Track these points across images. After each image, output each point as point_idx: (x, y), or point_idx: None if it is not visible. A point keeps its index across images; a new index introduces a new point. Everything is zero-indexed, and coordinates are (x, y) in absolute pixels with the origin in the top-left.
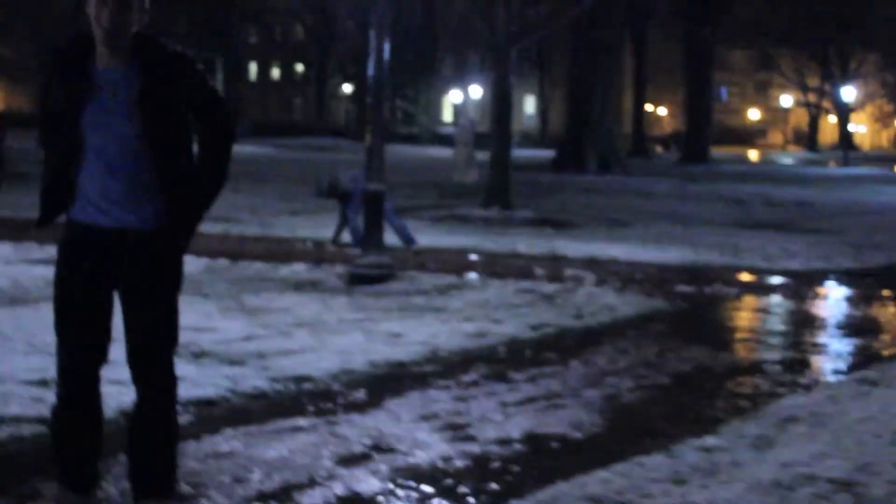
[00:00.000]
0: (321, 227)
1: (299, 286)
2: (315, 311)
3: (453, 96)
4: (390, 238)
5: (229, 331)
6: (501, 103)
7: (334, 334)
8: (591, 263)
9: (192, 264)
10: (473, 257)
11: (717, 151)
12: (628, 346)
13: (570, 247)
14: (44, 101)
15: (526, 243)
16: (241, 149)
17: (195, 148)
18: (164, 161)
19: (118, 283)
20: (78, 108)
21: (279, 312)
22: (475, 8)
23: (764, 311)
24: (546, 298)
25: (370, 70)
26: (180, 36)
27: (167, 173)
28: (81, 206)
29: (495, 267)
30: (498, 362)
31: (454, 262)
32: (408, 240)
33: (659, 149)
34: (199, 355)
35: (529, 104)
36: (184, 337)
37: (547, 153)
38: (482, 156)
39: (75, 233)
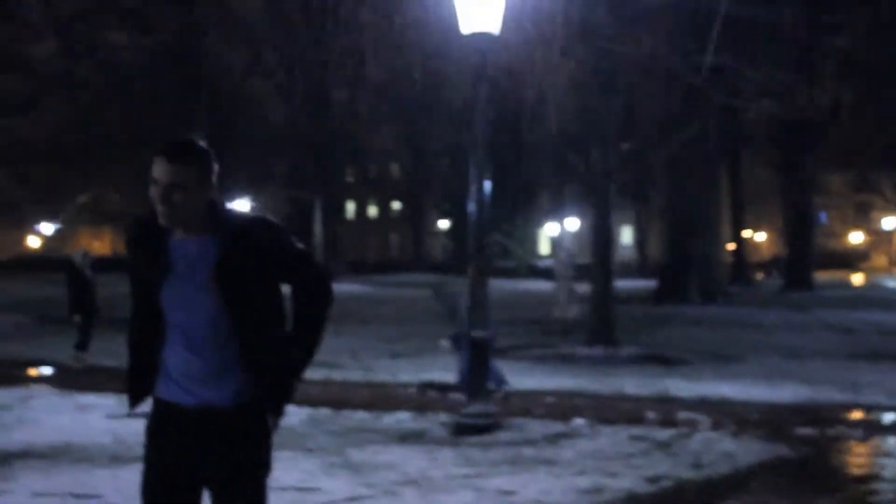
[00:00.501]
0: (422, 370)
1: (404, 437)
2: (421, 467)
3: (549, 229)
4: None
5: (333, 491)
6: (602, 239)
7: (442, 493)
8: (704, 404)
9: (294, 415)
10: (581, 400)
11: (820, 276)
12: (754, 502)
13: (680, 386)
14: (130, 274)
15: (634, 383)
16: (340, 287)
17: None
18: (248, 335)
19: (205, 468)
20: (156, 283)
21: (384, 469)
22: (570, 145)
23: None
24: (661, 446)
25: (470, 209)
26: (280, 179)
27: (252, 348)
28: (165, 383)
29: (604, 411)
30: None
31: (561, 407)
32: (499, 381)
33: (760, 275)
34: None
35: (626, 234)
36: (287, 498)
37: (646, 283)
38: (582, 288)
39: (160, 412)
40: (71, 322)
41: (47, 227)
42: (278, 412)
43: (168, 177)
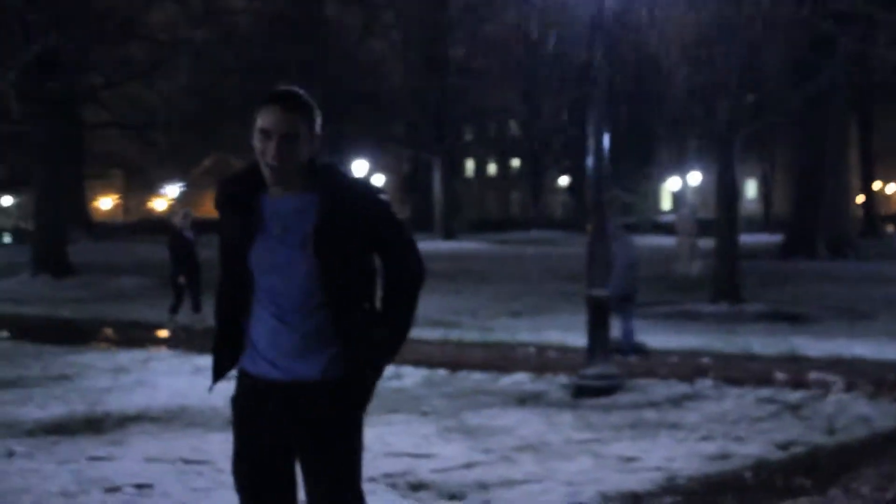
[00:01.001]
0: (542, 329)
1: (522, 400)
2: (539, 431)
3: (672, 184)
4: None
5: (448, 457)
6: (726, 193)
7: (561, 459)
8: (836, 364)
9: (410, 376)
10: (706, 360)
11: None
12: (893, 469)
13: (810, 345)
14: (219, 236)
15: (761, 342)
16: (459, 245)
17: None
18: (342, 305)
19: (297, 446)
20: (246, 245)
21: (501, 433)
22: (694, 97)
23: None
24: (791, 409)
25: (589, 164)
26: (396, 137)
27: (344, 319)
28: (251, 355)
29: (731, 371)
30: (745, 490)
31: (685, 367)
32: (628, 348)
33: (891, 228)
34: (416, 487)
35: (751, 187)
36: (401, 465)
37: (772, 238)
38: (705, 242)
39: (245, 386)
40: (175, 284)
41: (173, 190)
42: (367, 392)
43: (283, 126)
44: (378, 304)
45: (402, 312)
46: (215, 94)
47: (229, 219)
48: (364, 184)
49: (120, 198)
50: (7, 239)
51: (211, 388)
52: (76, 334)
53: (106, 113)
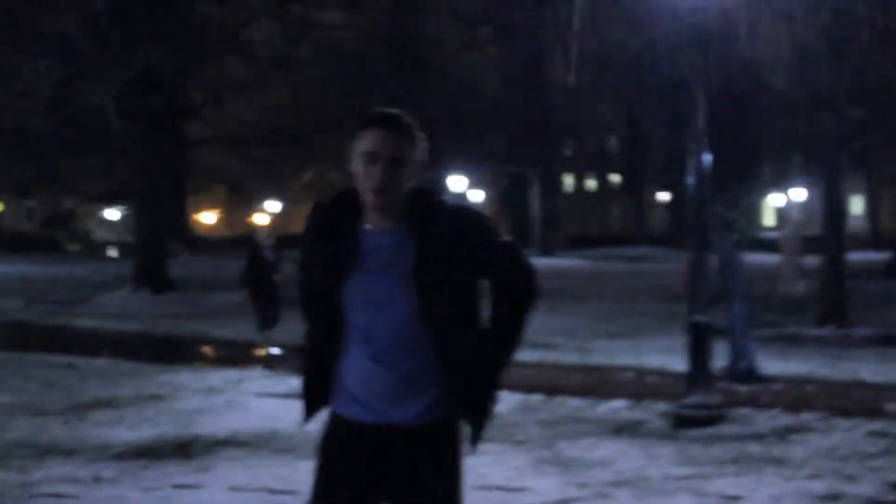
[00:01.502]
0: (641, 352)
1: (619, 429)
2: (637, 465)
3: (774, 199)
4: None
5: (542, 491)
6: (833, 211)
7: (660, 496)
8: None
9: (506, 401)
10: (812, 388)
11: None
12: None
13: None
14: (304, 268)
15: (870, 369)
16: (558, 262)
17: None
18: (445, 343)
19: (390, 495)
20: (339, 279)
21: (598, 466)
22: (798, 113)
23: None
24: None
25: (689, 183)
26: (495, 153)
27: (448, 358)
28: (343, 397)
29: (839, 401)
30: None
31: (791, 396)
32: (744, 374)
33: None
34: None
35: (857, 204)
36: (493, 499)
37: (878, 256)
38: (810, 260)
39: (336, 428)
40: (243, 298)
41: (273, 205)
42: (479, 431)
43: (389, 149)
44: (486, 323)
45: (511, 336)
46: (313, 110)
47: (322, 248)
48: (464, 210)
49: (222, 212)
50: (113, 252)
51: (304, 422)
52: (172, 352)
53: (207, 128)
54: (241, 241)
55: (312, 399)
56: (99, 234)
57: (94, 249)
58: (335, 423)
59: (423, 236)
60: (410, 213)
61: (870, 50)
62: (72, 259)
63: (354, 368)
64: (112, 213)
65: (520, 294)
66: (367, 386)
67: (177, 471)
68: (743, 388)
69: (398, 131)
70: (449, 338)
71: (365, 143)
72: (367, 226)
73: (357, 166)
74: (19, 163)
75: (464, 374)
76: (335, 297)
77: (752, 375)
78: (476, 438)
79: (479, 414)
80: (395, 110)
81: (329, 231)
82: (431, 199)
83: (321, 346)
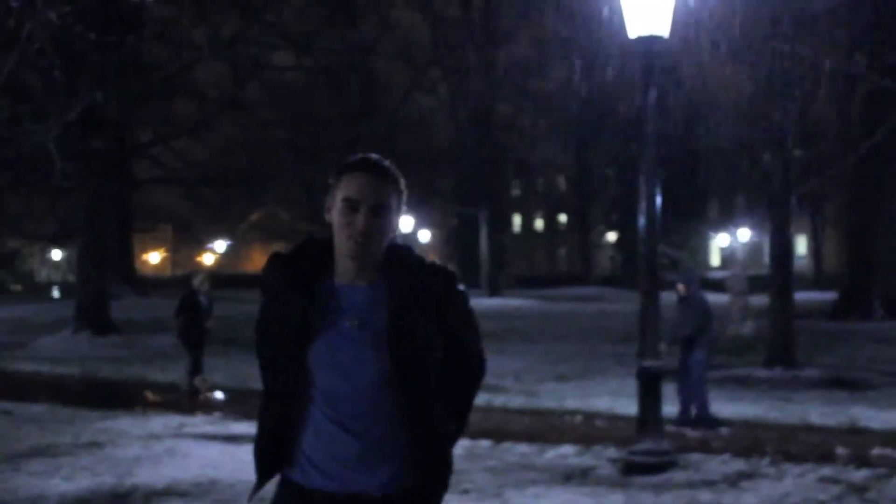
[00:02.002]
0: (590, 395)
1: (568, 477)
2: None
3: (720, 240)
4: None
5: None
6: (781, 252)
7: None
8: None
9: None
10: (762, 432)
11: None
12: None
13: (870, 415)
14: (263, 327)
15: (819, 411)
16: (505, 302)
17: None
18: (414, 410)
19: None
20: (306, 339)
21: None
22: (745, 153)
23: None
24: (855, 491)
25: (640, 224)
26: (443, 192)
27: (414, 425)
28: (300, 464)
29: (788, 445)
30: None
31: (741, 440)
32: (697, 420)
33: None
34: None
35: (801, 245)
36: None
37: (822, 296)
38: (756, 300)
39: (290, 497)
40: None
41: (220, 245)
42: (440, 498)
43: (374, 196)
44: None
45: (464, 411)
46: (262, 149)
47: (286, 304)
48: (440, 269)
49: (168, 252)
50: (56, 294)
51: (250, 498)
52: (111, 397)
53: (156, 168)
54: (187, 281)
55: (267, 465)
56: (43, 275)
57: (37, 290)
58: (290, 491)
59: (399, 294)
60: (387, 270)
61: (814, 92)
62: (14, 300)
63: (315, 433)
64: (56, 254)
65: (474, 366)
66: (330, 453)
67: None
68: (694, 433)
69: (382, 177)
70: (418, 405)
71: (346, 189)
72: (338, 280)
73: (336, 215)
74: None
75: (426, 444)
76: (300, 359)
77: (705, 420)
78: None
79: (438, 485)
80: (377, 156)
81: (294, 286)
82: (407, 255)
83: (280, 410)
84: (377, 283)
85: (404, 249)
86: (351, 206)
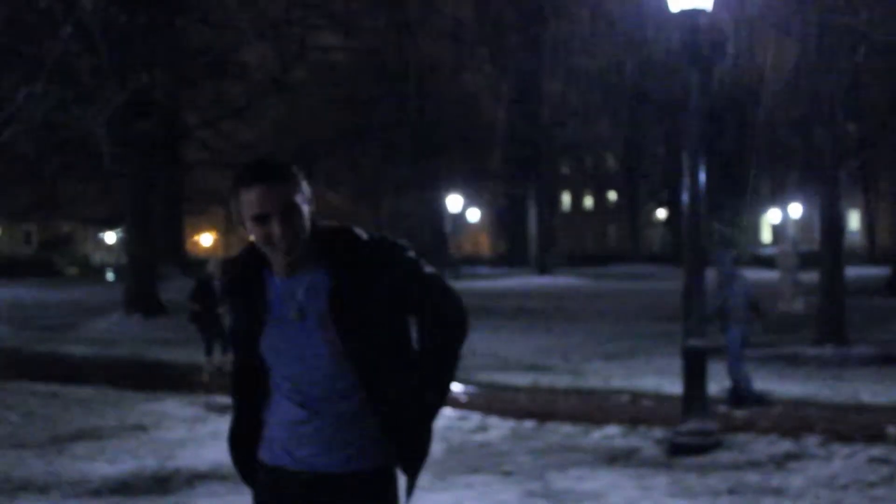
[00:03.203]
0: (636, 374)
1: (613, 458)
2: (630, 497)
3: (772, 216)
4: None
5: None
6: (831, 228)
7: None
8: None
9: (497, 428)
10: (811, 411)
11: None
12: None
13: None
14: (230, 325)
15: (870, 390)
16: (553, 281)
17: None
18: (376, 386)
19: None
20: (256, 332)
21: (589, 499)
22: (795, 130)
23: None
24: None
25: (684, 201)
26: (491, 172)
27: (380, 401)
28: (269, 446)
29: (838, 425)
30: None
31: (789, 419)
32: (742, 397)
33: None
34: None
35: (854, 219)
36: None
37: (876, 272)
38: (808, 277)
39: (265, 476)
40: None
41: None
42: (413, 479)
43: (278, 203)
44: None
45: (443, 375)
46: (309, 131)
47: (237, 305)
48: (379, 241)
49: (220, 234)
50: (111, 276)
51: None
52: (158, 379)
53: (203, 151)
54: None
55: (241, 450)
56: (97, 258)
57: (92, 273)
58: (263, 471)
59: (339, 276)
60: (328, 255)
61: (865, 65)
62: (69, 283)
63: (282, 417)
64: (110, 237)
65: (449, 329)
66: (295, 434)
67: None
68: (741, 412)
69: (280, 181)
70: (379, 380)
71: (250, 207)
72: (279, 276)
73: (251, 230)
74: (15, 186)
75: (396, 418)
76: (255, 348)
77: (749, 398)
78: (411, 486)
79: (413, 460)
80: (264, 158)
81: (240, 286)
82: (347, 237)
83: (247, 402)
84: (318, 269)
85: (345, 231)
86: (261, 221)
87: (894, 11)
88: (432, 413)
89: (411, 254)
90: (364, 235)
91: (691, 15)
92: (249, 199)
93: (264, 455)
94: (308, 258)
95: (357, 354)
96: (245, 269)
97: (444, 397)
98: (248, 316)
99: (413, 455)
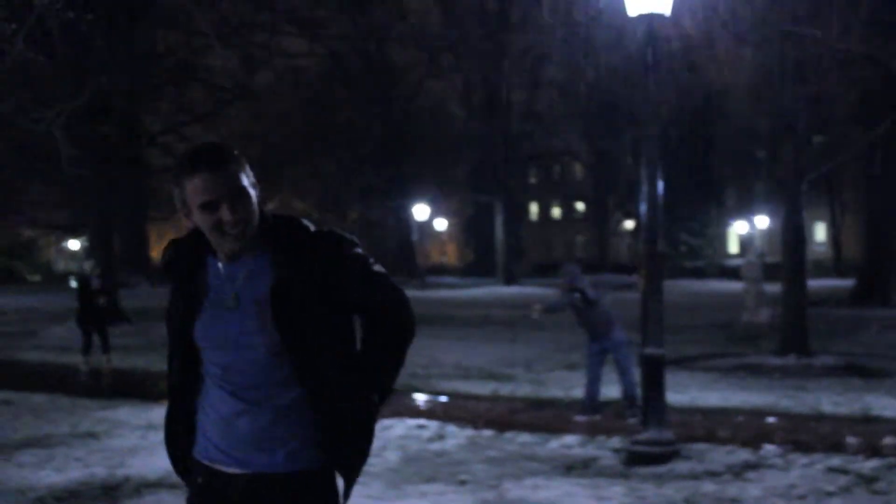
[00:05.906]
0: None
1: (570, 467)
2: None
3: (739, 227)
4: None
5: None
6: (794, 238)
7: None
8: None
9: (454, 437)
10: (771, 420)
11: None
12: None
13: (885, 404)
14: (167, 310)
15: (831, 400)
16: (520, 290)
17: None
18: (313, 382)
19: None
20: (189, 317)
21: None
22: (759, 140)
23: None
24: (864, 482)
25: (642, 210)
26: (459, 181)
27: (317, 398)
28: (203, 444)
29: (798, 434)
30: None
31: (749, 429)
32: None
33: None
34: None
35: (820, 231)
36: None
37: (842, 283)
38: (773, 288)
39: (200, 477)
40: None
41: None
42: (351, 481)
43: (225, 187)
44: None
45: (386, 376)
46: (275, 138)
47: (175, 288)
48: (327, 234)
49: None
50: (73, 283)
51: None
52: (115, 386)
53: (168, 157)
54: None
55: (176, 448)
56: (60, 265)
57: (54, 280)
58: (198, 471)
59: (281, 265)
60: (272, 242)
61: (828, 75)
62: (30, 290)
63: (215, 412)
64: (73, 244)
65: (394, 329)
66: (229, 430)
67: None
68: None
69: (224, 165)
70: (317, 375)
71: (197, 195)
72: (221, 259)
73: (199, 219)
74: None
75: (334, 417)
76: (189, 338)
77: (590, 406)
78: (348, 490)
79: (350, 461)
80: (206, 143)
81: (176, 268)
82: (294, 224)
83: (179, 390)
84: (260, 255)
85: (292, 220)
86: (210, 207)
87: (856, 23)
88: (372, 414)
89: (360, 250)
90: (312, 227)
91: (648, 19)
92: (195, 188)
93: (199, 453)
94: (253, 244)
95: (293, 346)
96: (186, 249)
97: (384, 399)
98: (185, 300)
99: (350, 456)
